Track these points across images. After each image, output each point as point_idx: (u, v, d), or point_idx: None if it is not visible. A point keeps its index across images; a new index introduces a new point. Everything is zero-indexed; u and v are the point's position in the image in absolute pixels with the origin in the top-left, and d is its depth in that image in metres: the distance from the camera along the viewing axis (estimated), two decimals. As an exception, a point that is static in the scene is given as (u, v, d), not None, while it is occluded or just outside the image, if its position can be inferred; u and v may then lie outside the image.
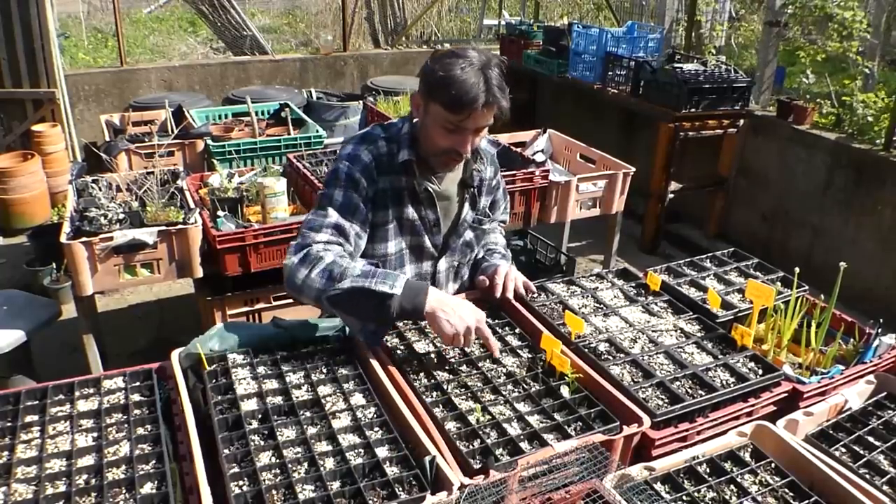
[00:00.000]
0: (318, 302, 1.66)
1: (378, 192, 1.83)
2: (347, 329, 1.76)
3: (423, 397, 1.53)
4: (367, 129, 1.91)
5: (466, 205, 1.95)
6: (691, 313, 1.92)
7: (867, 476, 1.43)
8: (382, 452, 1.37)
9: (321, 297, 1.63)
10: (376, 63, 7.06)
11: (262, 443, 1.39)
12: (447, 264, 2.00)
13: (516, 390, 1.58)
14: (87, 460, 1.36)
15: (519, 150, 3.99)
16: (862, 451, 1.51)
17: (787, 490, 1.37)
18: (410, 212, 1.88)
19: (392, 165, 1.83)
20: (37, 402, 1.52)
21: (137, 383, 1.60)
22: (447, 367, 1.65)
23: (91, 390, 1.57)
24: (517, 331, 1.81)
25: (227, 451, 1.35)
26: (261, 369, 1.61)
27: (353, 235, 1.76)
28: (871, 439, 1.56)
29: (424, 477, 1.29)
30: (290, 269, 1.69)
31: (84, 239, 2.63)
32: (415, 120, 1.85)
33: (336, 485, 1.29)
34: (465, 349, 1.70)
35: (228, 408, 1.47)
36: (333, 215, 1.75)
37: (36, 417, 1.48)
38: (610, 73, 5.38)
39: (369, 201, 1.81)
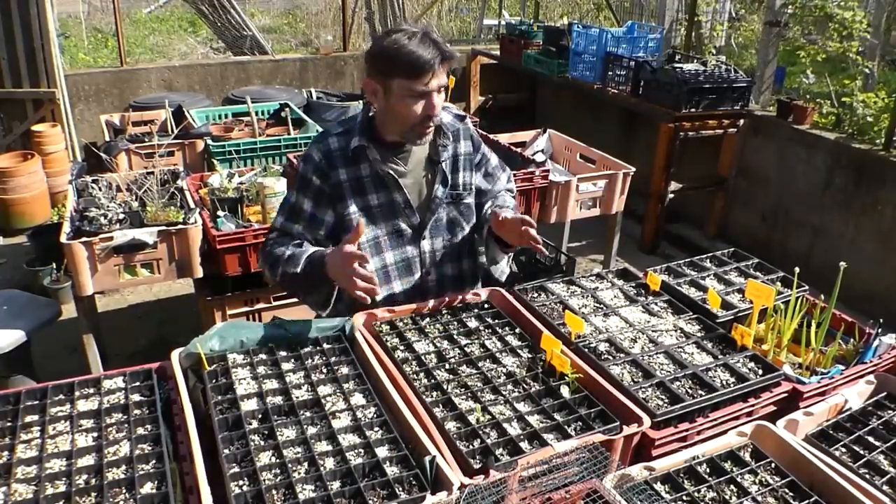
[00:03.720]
0: (280, 287, 1.93)
1: (335, 185, 1.90)
2: (348, 329, 1.76)
3: (423, 397, 1.53)
4: (323, 130, 2.00)
5: (437, 181, 1.96)
6: (691, 313, 1.92)
7: (867, 476, 1.43)
8: (382, 452, 1.37)
9: (276, 283, 1.95)
10: (376, 63, 7.04)
11: (262, 443, 1.39)
12: (431, 246, 2.00)
13: (516, 390, 1.58)
14: (87, 460, 1.36)
15: (519, 150, 3.99)
16: (862, 451, 1.51)
17: (787, 490, 1.37)
18: (377, 198, 1.92)
19: (346, 156, 1.90)
20: (37, 402, 1.52)
21: (137, 383, 1.60)
22: (447, 367, 1.65)
23: (91, 390, 1.57)
24: (517, 331, 1.81)
25: (227, 451, 1.35)
26: (261, 369, 1.61)
27: (296, 233, 1.93)
28: (871, 439, 1.56)
29: (424, 477, 1.29)
30: (259, 263, 2.01)
31: (84, 239, 2.63)
32: (372, 112, 1.91)
33: (336, 485, 1.29)
34: (466, 349, 1.71)
35: (228, 408, 1.48)
36: (279, 220, 1.96)
37: (36, 417, 1.48)
38: (610, 73, 5.38)
39: (324, 196, 1.91)
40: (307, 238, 1.91)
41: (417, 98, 1.78)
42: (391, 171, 1.89)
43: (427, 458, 1.30)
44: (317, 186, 1.88)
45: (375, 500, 1.27)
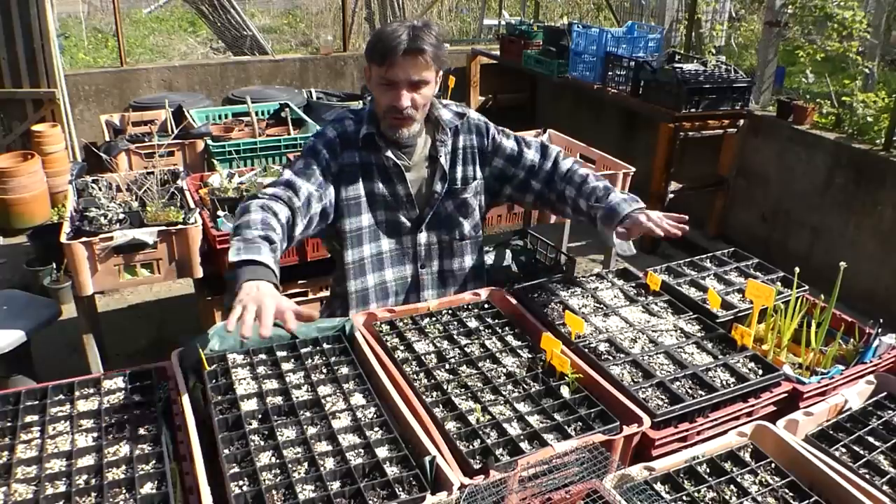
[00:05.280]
0: None
1: (345, 167, 1.90)
2: (348, 329, 1.76)
3: (423, 397, 1.53)
4: (337, 114, 2.01)
5: (437, 177, 1.97)
6: (691, 313, 1.92)
7: (867, 476, 1.43)
8: (382, 452, 1.37)
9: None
10: (376, 63, 7.05)
11: (262, 443, 1.39)
12: (428, 239, 2.01)
13: (516, 390, 1.58)
14: (87, 460, 1.36)
15: (519, 150, 3.98)
16: (862, 451, 1.51)
17: (787, 490, 1.37)
18: (380, 186, 1.93)
19: (356, 141, 1.91)
20: (37, 402, 1.52)
21: (137, 383, 1.59)
22: (447, 367, 1.65)
23: (91, 390, 1.57)
24: (517, 331, 1.81)
25: (227, 451, 1.35)
26: (261, 369, 1.61)
27: (303, 191, 1.80)
28: (871, 439, 1.55)
29: (424, 477, 1.29)
30: (239, 208, 1.75)
31: (84, 239, 2.62)
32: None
33: (336, 485, 1.29)
34: (466, 349, 1.71)
35: (228, 408, 1.47)
36: (288, 174, 1.83)
37: (36, 417, 1.48)
38: (610, 73, 5.38)
39: (330, 174, 1.88)
40: (311, 201, 1.80)
41: (383, 86, 1.79)
42: (398, 163, 1.91)
43: (427, 458, 1.30)
44: (325, 159, 1.87)
45: (375, 500, 1.27)
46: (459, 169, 2.01)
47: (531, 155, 2.04)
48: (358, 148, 1.91)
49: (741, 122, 4.96)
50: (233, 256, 1.55)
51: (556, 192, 2.01)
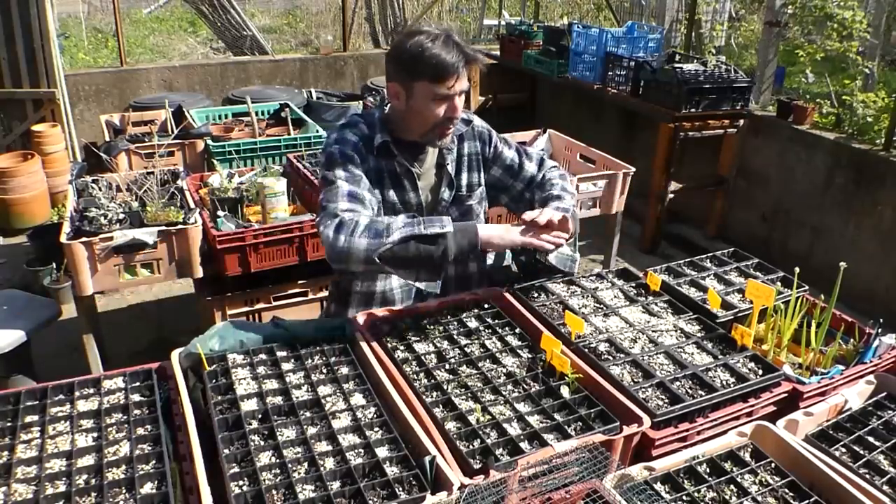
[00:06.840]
0: (367, 263, 1.68)
1: (367, 173, 1.88)
2: (348, 329, 1.76)
3: (423, 397, 1.53)
4: (346, 119, 1.98)
5: (444, 184, 1.98)
6: (691, 313, 1.92)
7: (867, 476, 1.43)
8: (382, 452, 1.37)
9: (371, 255, 1.66)
10: (376, 63, 7.06)
11: (262, 443, 1.39)
12: None
13: (516, 390, 1.58)
14: (87, 460, 1.36)
15: (519, 150, 3.98)
16: (862, 451, 1.51)
17: (787, 490, 1.37)
18: (391, 194, 1.92)
19: (372, 148, 1.89)
20: (37, 402, 1.52)
21: (137, 383, 1.59)
22: (447, 367, 1.65)
23: (91, 390, 1.57)
24: (517, 331, 1.81)
25: (227, 451, 1.35)
26: (261, 369, 1.61)
27: (367, 201, 1.81)
28: (871, 439, 1.55)
29: (424, 477, 1.29)
30: (329, 240, 1.71)
31: (84, 239, 2.62)
32: (387, 108, 1.91)
33: (336, 485, 1.29)
34: (466, 349, 1.71)
35: (228, 408, 1.48)
36: (344, 185, 1.79)
37: (36, 417, 1.48)
38: (610, 73, 5.38)
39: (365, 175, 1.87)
40: (375, 206, 1.83)
41: (440, 101, 1.78)
42: (411, 170, 1.91)
43: (427, 458, 1.30)
44: (359, 163, 1.85)
45: (375, 500, 1.27)
46: (465, 176, 2.02)
47: (531, 168, 2.06)
48: (374, 155, 1.90)
49: (741, 122, 4.96)
50: (437, 229, 1.68)
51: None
